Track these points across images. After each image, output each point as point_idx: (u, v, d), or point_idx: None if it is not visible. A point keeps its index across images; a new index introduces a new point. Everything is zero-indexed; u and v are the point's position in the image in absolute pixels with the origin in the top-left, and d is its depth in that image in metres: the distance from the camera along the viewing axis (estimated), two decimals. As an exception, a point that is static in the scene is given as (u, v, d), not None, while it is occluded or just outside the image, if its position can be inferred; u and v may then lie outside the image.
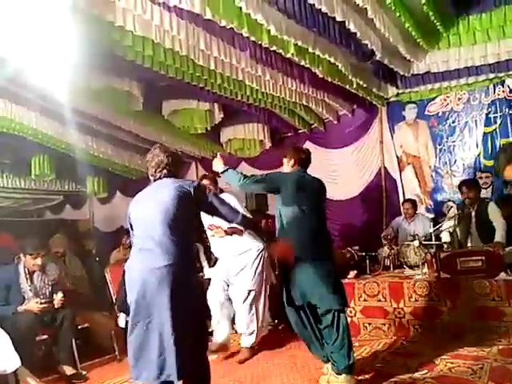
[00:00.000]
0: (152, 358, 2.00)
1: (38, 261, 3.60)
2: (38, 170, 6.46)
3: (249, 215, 3.19)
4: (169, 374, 1.98)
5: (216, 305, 3.60)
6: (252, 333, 3.61)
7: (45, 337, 3.59)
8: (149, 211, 2.15)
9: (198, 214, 2.47)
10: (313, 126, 6.24)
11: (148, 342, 2.03)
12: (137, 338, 2.05)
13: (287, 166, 3.03)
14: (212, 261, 5.02)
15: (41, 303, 3.49)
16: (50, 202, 9.05)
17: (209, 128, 5.62)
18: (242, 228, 3.36)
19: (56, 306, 3.60)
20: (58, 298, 3.61)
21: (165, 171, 2.25)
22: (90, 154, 6.19)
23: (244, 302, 3.58)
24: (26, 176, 7.03)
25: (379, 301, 3.91)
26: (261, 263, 3.63)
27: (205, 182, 3.50)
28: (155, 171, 2.26)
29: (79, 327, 3.85)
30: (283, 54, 3.86)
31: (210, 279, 4.62)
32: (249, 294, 3.58)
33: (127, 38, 3.45)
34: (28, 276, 3.66)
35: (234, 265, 3.63)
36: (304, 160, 3.04)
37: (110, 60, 3.88)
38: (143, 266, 2.08)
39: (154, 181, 2.29)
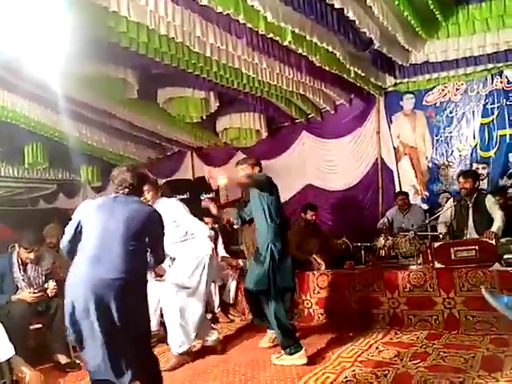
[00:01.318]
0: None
1: (32, 255, 3.60)
2: (31, 159, 6.40)
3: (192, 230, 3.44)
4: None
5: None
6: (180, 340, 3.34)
7: (39, 326, 3.56)
8: (111, 223, 2.17)
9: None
10: (310, 116, 6.20)
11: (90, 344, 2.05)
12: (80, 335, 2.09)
13: (253, 171, 3.50)
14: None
15: (34, 293, 3.47)
16: (43, 191, 8.99)
17: (204, 117, 5.57)
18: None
19: (50, 295, 3.59)
20: (51, 286, 3.59)
21: (127, 190, 2.33)
22: (84, 142, 6.14)
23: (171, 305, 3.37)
24: (19, 164, 6.97)
25: (374, 291, 3.92)
26: (204, 268, 3.47)
27: (146, 187, 3.14)
28: (117, 188, 2.34)
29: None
30: (280, 41, 3.81)
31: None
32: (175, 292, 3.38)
33: (121, 24, 3.39)
34: (21, 266, 3.64)
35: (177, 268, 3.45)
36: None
37: (104, 47, 3.81)
38: (94, 276, 2.07)
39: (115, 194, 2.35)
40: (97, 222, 2.20)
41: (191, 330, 3.36)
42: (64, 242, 2.29)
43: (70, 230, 2.27)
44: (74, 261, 2.18)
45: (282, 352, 3.13)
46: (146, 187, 3.10)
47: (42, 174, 7.66)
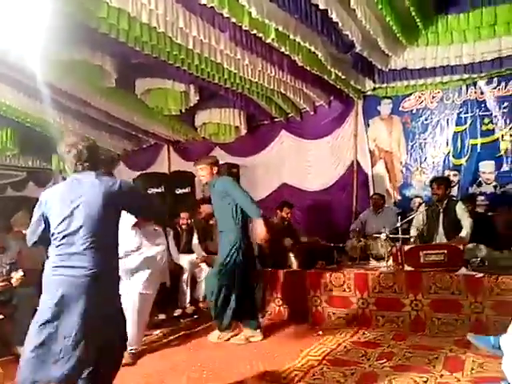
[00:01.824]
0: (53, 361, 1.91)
1: None
2: (0, 144, 6.16)
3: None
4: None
5: None
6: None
7: (0, 317, 3.44)
8: (70, 211, 1.98)
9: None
10: (289, 116, 6.22)
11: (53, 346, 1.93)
12: (40, 338, 1.93)
13: (212, 171, 3.54)
14: (182, 245, 4.97)
15: (-2, 282, 3.36)
16: (12, 178, 8.70)
17: (183, 110, 5.50)
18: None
19: (14, 285, 3.47)
20: (17, 276, 3.48)
21: (86, 164, 2.08)
22: (57, 129, 5.94)
23: (133, 306, 3.17)
24: (-13, 150, 6.69)
25: (344, 291, 3.97)
26: (158, 264, 3.38)
27: None
28: (75, 164, 2.08)
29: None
30: (263, 38, 3.81)
31: (180, 266, 4.57)
32: (140, 296, 3.24)
33: (102, 10, 3.31)
34: (-15, 254, 3.53)
35: (132, 264, 3.25)
36: None
37: (82, 32, 3.70)
38: (64, 273, 1.93)
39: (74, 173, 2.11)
40: (57, 212, 2.01)
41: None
42: (30, 240, 2.12)
43: (35, 225, 2.09)
44: (49, 256, 2.04)
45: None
46: None
47: (12, 160, 7.39)
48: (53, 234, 2.02)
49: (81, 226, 1.96)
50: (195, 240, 5.05)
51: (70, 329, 1.90)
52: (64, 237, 1.97)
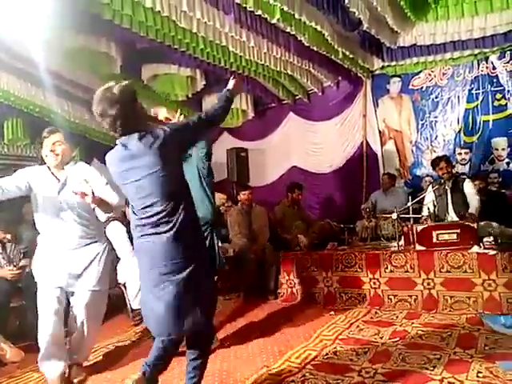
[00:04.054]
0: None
1: (8, 236, 3.62)
2: (11, 135, 6.20)
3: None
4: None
5: (49, 324, 2.64)
6: (84, 347, 2.74)
7: (19, 303, 3.53)
8: (137, 181, 1.87)
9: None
10: (297, 98, 6.15)
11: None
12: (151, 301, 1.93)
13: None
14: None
15: (13, 270, 3.45)
16: (23, 169, 8.76)
17: (190, 95, 5.47)
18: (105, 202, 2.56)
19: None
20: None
21: (129, 127, 1.86)
22: (66, 118, 5.96)
23: (85, 305, 2.66)
24: (-2, 141, 6.75)
25: (356, 271, 3.99)
26: (107, 259, 2.78)
27: (57, 138, 2.72)
28: (115, 130, 1.86)
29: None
30: (268, 19, 3.74)
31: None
32: (92, 295, 2.68)
33: (105, -4, 3.27)
34: (0, 244, 3.60)
35: (76, 261, 2.65)
36: None
37: (86, 19, 3.67)
38: (151, 240, 1.89)
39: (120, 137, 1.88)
40: (128, 186, 1.93)
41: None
42: None
43: None
44: (135, 225, 2.02)
45: None
46: (57, 138, 2.67)
47: (23, 150, 7.45)
48: (132, 206, 1.95)
49: (156, 200, 1.88)
50: None
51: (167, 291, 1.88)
52: (141, 209, 1.91)
